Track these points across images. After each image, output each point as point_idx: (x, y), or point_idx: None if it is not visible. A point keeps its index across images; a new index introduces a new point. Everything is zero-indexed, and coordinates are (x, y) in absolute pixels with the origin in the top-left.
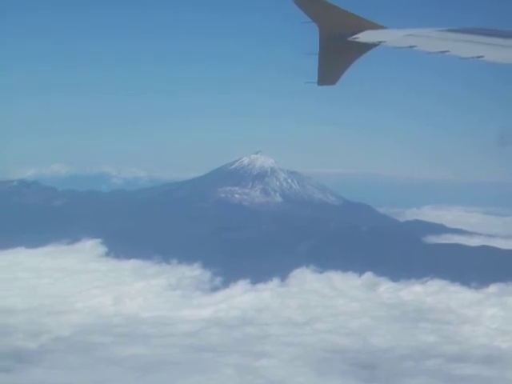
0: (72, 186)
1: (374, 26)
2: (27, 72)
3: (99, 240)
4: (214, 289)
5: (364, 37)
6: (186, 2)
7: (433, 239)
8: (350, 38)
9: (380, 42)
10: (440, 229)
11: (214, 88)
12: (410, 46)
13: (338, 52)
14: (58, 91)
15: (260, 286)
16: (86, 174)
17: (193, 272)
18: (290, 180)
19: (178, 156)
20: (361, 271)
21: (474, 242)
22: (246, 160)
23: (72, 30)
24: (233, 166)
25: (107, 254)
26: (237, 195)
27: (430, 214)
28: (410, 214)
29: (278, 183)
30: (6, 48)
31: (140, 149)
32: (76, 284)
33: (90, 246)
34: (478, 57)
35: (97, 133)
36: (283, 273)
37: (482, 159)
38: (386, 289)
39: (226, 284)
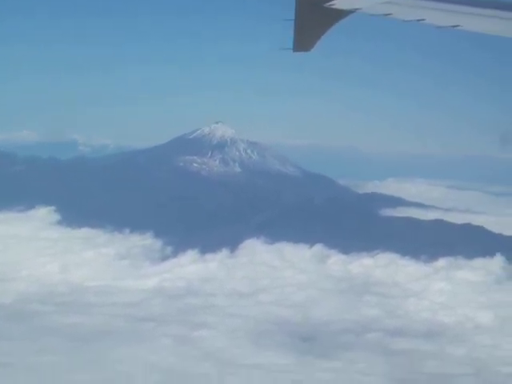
0: (37, 152)
1: None
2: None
3: (53, 208)
4: (164, 258)
5: (340, 3)
6: None
7: (388, 212)
8: (326, 5)
9: (356, 9)
10: (398, 202)
11: (178, 59)
12: (386, 14)
13: (313, 18)
14: (33, 61)
15: (208, 256)
16: (54, 141)
17: (144, 241)
18: (249, 150)
19: (145, 125)
20: (312, 243)
21: (431, 215)
22: (206, 130)
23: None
24: (193, 136)
25: (60, 223)
26: (195, 164)
27: (391, 186)
28: (371, 187)
29: (237, 153)
30: None
31: (109, 117)
32: (25, 251)
33: (43, 214)
34: (455, 26)
35: (68, 101)
36: (234, 244)
37: (453, 133)
38: (336, 261)
39: (175, 254)
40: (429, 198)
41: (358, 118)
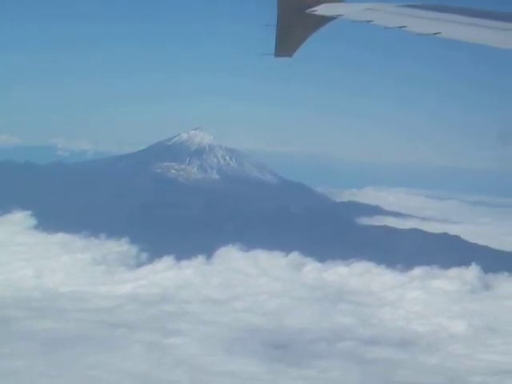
0: (15, 157)
1: None
2: None
3: (29, 212)
4: (139, 265)
5: (322, 9)
6: None
7: (365, 220)
8: (308, 11)
9: (338, 16)
10: (375, 210)
11: (157, 64)
12: (368, 21)
13: (295, 24)
14: (16, 65)
15: (184, 263)
16: (32, 145)
17: (120, 247)
18: (227, 157)
19: (124, 130)
20: (288, 251)
21: (407, 224)
22: (184, 136)
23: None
24: (171, 142)
25: (36, 227)
26: (173, 171)
27: (369, 195)
28: (348, 195)
29: (215, 160)
30: None
31: (88, 122)
32: (0, 256)
33: (20, 219)
34: (436, 33)
35: (48, 106)
36: (209, 251)
37: (432, 141)
38: (311, 269)
39: (150, 260)
40: (407, 206)
41: (337, 125)
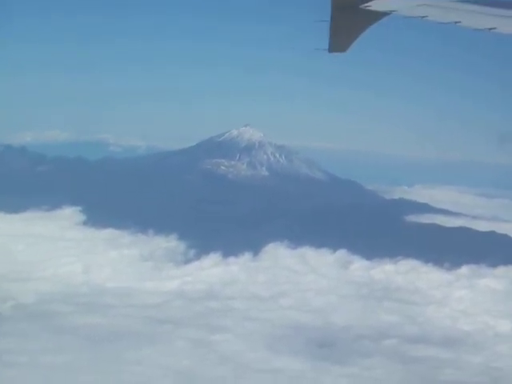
0: (66, 152)
1: None
2: (31, 46)
3: (79, 208)
4: (187, 261)
5: (376, 5)
6: None
7: (414, 218)
8: (362, 6)
9: (392, 11)
10: (424, 208)
11: (208, 61)
12: (422, 16)
13: (349, 19)
14: (60, 62)
15: (231, 259)
16: (84, 140)
17: (168, 243)
18: (277, 154)
19: (175, 126)
20: (335, 248)
21: (456, 222)
22: (234, 132)
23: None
24: (221, 138)
25: (85, 223)
26: (223, 167)
27: (419, 192)
28: (399, 193)
29: (265, 157)
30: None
31: (141, 118)
32: (49, 251)
33: (69, 214)
34: (491, 28)
35: (100, 101)
36: (256, 247)
37: (483, 140)
38: (358, 267)
39: (198, 256)
40: (457, 204)
41: (389, 123)
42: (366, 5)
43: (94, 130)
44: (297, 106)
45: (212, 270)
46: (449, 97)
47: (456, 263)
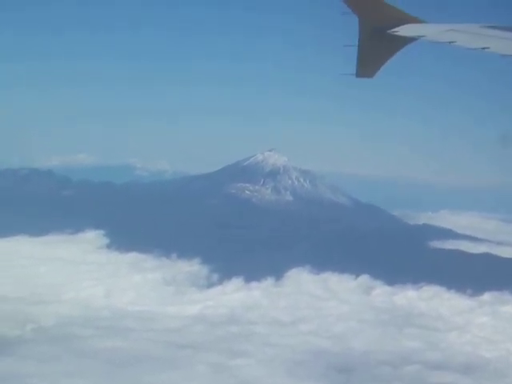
0: (92, 176)
1: (415, 20)
2: (59, 64)
3: (102, 231)
4: (209, 285)
5: (404, 30)
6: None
7: (438, 244)
8: (390, 31)
9: (420, 37)
10: (448, 234)
11: (235, 84)
12: (450, 42)
13: (377, 44)
14: (89, 83)
15: (253, 284)
16: (110, 164)
17: (191, 267)
18: (301, 179)
19: (200, 151)
20: (357, 274)
21: (480, 248)
22: (259, 157)
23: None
24: (246, 163)
25: (108, 246)
26: (247, 192)
27: (444, 218)
28: (424, 218)
29: (289, 181)
30: (35, 38)
31: (167, 142)
32: (71, 274)
33: (93, 237)
34: None
35: (127, 125)
36: (279, 272)
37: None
38: (380, 292)
39: (220, 281)
40: (481, 230)
41: (415, 149)
42: (394, 30)
43: (122, 153)
44: (324, 130)
45: (234, 294)
46: (477, 123)
47: (479, 290)
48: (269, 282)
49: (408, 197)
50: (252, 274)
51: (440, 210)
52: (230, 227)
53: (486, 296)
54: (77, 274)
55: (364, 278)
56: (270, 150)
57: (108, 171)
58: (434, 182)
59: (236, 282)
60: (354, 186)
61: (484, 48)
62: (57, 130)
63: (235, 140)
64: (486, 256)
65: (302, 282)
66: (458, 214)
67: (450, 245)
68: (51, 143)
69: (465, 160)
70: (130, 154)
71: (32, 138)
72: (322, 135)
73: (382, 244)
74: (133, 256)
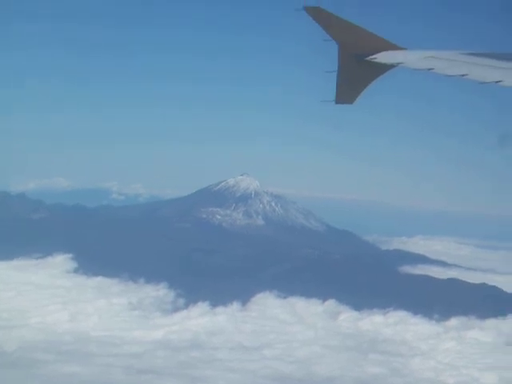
0: (66, 199)
1: (393, 47)
2: (34, 86)
3: (70, 255)
4: (175, 310)
5: (382, 57)
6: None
7: (407, 269)
8: (369, 58)
9: (398, 63)
10: (419, 259)
11: (208, 107)
12: (429, 69)
13: (356, 71)
14: (66, 107)
15: (219, 309)
16: (88, 188)
17: (157, 292)
18: (273, 203)
19: (175, 175)
20: (325, 298)
21: (450, 274)
22: (231, 181)
23: (80, 44)
24: (218, 187)
25: (76, 270)
26: (218, 216)
27: (418, 243)
28: (397, 243)
29: (261, 206)
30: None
31: (144, 167)
32: (37, 299)
33: (61, 261)
34: (497, 81)
35: (105, 148)
36: (246, 297)
37: (488, 191)
38: (347, 317)
39: (186, 306)
40: (454, 256)
41: (390, 173)
42: (372, 57)
43: (101, 177)
44: (298, 154)
45: (199, 319)
46: (453, 147)
47: (445, 315)
48: (235, 306)
49: (383, 222)
50: (218, 299)
51: (415, 236)
52: (199, 251)
53: (453, 321)
54: (43, 299)
55: (331, 303)
56: (241, 175)
57: (84, 195)
58: (410, 207)
59: (202, 307)
60: (327, 211)
61: (462, 75)
62: (35, 154)
63: (208, 164)
64: (454, 281)
65: (268, 306)
66: (432, 239)
67: (419, 270)
68: (30, 167)
69: (443, 185)
70: (108, 178)
71: (9, 162)
72: (296, 159)
73: (352, 269)
74: (100, 280)
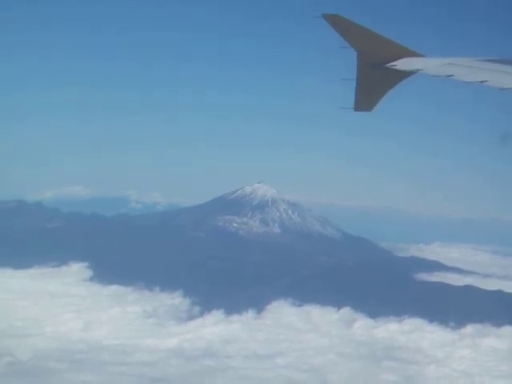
0: (85, 208)
1: (412, 54)
2: (56, 94)
3: (86, 264)
4: (190, 318)
5: (401, 64)
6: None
7: (423, 276)
8: (388, 65)
9: (418, 70)
10: (435, 266)
11: (225, 115)
12: (448, 75)
13: (375, 78)
14: (85, 114)
15: (234, 317)
16: (107, 196)
17: (172, 300)
18: (290, 211)
19: (192, 183)
20: (340, 306)
21: (466, 281)
22: (248, 189)
23: (98, 49)
24: (234, 195)
25: (91, 279)
26: (235, 224)
27: (435, 250)
28: (414, 250)
29: (277, 214)
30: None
31: (162, 175)
32: (52, 308)
33: (76, 270)
34: None
35: (126, 156)
36: (261, 305)
37: (505, 197)
38: (362, 325)
39: (201, 314)
40: (471, 263)
41: (409, 180)
42: (391, 64)
43: (120, 186)
44: (315, 162)
45: (213, 327)
46: (470, 153)
47: (461, 322)
48: (250, 314)
49: (400, 229)
50: (233, 307)
51: (433, 242)
52: (214, 260)
53: (468, 328)
54: (57, 307)
55: (346, 311)
56: (258, 183)
57: (103, 203)
58: (428, 214)
59: (216, 315)
60: (342, 218)
61: (482, 81)
62: (54, 162)
63: (228, 170)
64: (470, 288)
65: (283, 314)
66: (450, 246)
67: (435, 277)
68: (49, 175)
69: (461, 191)
70: (128, 187)
71: (28, 171)
72: (313, 166)
73: (368, 276)
74: (115, 289)
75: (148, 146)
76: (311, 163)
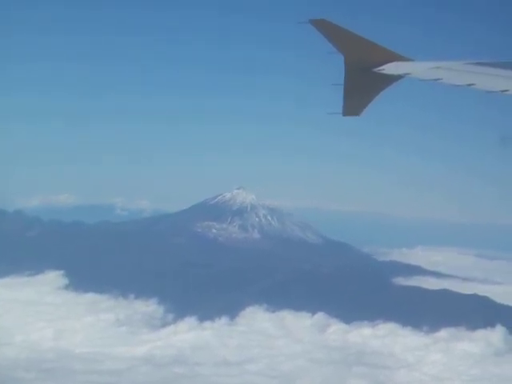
0: (70, 216)
1: (400, 58)
2: (42, 100)
3: (62, 272)
4: (163, 325)
5: (389, 68)
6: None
7: (401, 281)
8: (375, 70)
9: (406, 74)
10: (415, 270)
11: (204, 119)
12: (436, 79)
13: (363, 83)
14: (69, 121)
15: (207, 324)
16: (93, 204)
17: (147, 307)
18: (269, 217)
19: (174, 189)
20: (315, 311)
21: (444, 285)
22: (227, 195)
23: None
24: (214, 201)
25: (67, 287)
26: (214, 230)
27: (418, 254)
28: (396, 255)
29: (257, 219)
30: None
31: (148, 181)
32: (24, 316)
33: (52, 278)
34: (503, 91)
35: (113, 163)
36: (235, 311)
37: (494, 201)
38: (335, 330)
39: (175, 321)
40: (452, 266)
41: (392, 183)
42: (379, 68)
43: (108, 193)
44: (294, 164)
45: (185, 334)
46: (455, 157)
47: (435, 326)
48: (223, 321)
49: (384, 233)
50: (207, 314)
51: (416, 246)
52: (192, 266)
53: (442, 333)
54: (30, 316)
55: (320, 316)
56: (238, 188)
57: (87, 211)
58: (413, 218)
59: (189, 322)
60: (324, 223)
61: (470, 85)
62: (40, 170)
63: (208, 175)
64: (445, 292)
65: (256, 320)
66: (434, 250)
67: (414, 281)
68: (35, 183)
69: (447, 195)
70: (115, 194)
71: (14, 178)
72: (293, 170)
73: (344, 282)
74: (90, 297)
75: (136, 152)
76: (295, 168)
